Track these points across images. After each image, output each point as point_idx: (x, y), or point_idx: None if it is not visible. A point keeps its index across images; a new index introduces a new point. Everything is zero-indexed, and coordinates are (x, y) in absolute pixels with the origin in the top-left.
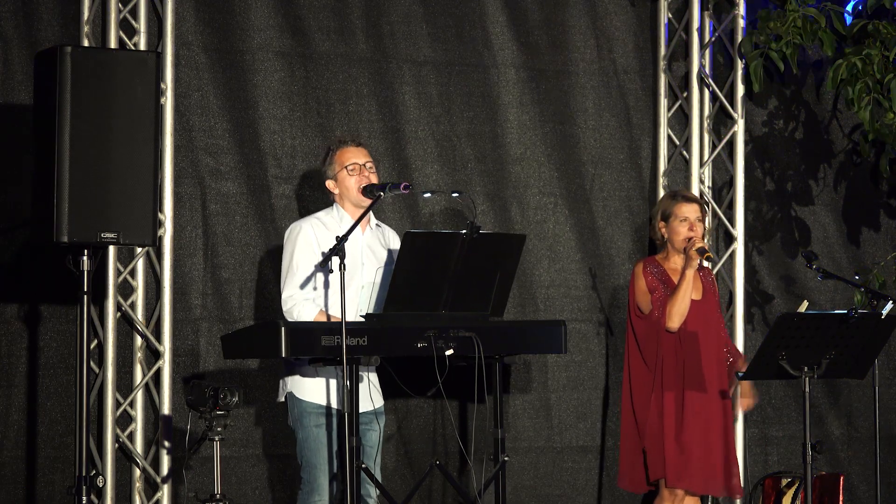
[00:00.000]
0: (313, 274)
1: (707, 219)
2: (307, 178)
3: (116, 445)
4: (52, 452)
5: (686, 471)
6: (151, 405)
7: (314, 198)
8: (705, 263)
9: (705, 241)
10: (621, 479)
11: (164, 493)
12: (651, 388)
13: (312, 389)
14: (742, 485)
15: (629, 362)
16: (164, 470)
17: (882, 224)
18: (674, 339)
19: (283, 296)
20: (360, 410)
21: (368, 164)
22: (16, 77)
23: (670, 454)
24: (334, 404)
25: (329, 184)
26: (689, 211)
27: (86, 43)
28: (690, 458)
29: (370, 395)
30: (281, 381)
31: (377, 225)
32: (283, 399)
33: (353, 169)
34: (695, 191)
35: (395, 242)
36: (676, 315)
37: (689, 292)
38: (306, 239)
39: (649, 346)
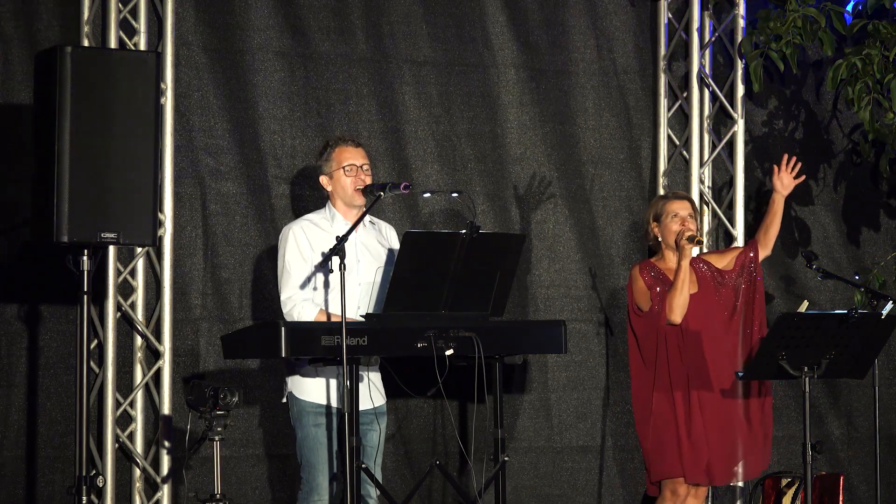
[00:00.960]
0: (313, 274)
1: (706, 218)
2: (307, 179)
3: (116, 445)
4: (52, 452)
5: (699, 466)
6: (151, 405)
7: (314, 198)
8: (695, 251)
9: (699, 234)
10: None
11: (164, 493)
12: (652, 388)
13: (312, 389)
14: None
15: (631, 363)
16: (164, 470)
17: (882, 224)
18: (676, 335)
19: (282, 298)
20: (360, 409)
21: (365, 167)
22: (16, 77)
23: (687, 452)
24: (334, 403)
25: (323, 180)
26: (680, 207)
27: (86, 43)
28: (701, 453)
29: (370, 394)
30: (284, 382)
31: (371, 222)
32: (285, 400)
33: (350, 170)
34: (695, 190)
35: (393, 237)
36: (677, 308)
37: (686, 284)
38: (295, 240)
39: (648, 345)
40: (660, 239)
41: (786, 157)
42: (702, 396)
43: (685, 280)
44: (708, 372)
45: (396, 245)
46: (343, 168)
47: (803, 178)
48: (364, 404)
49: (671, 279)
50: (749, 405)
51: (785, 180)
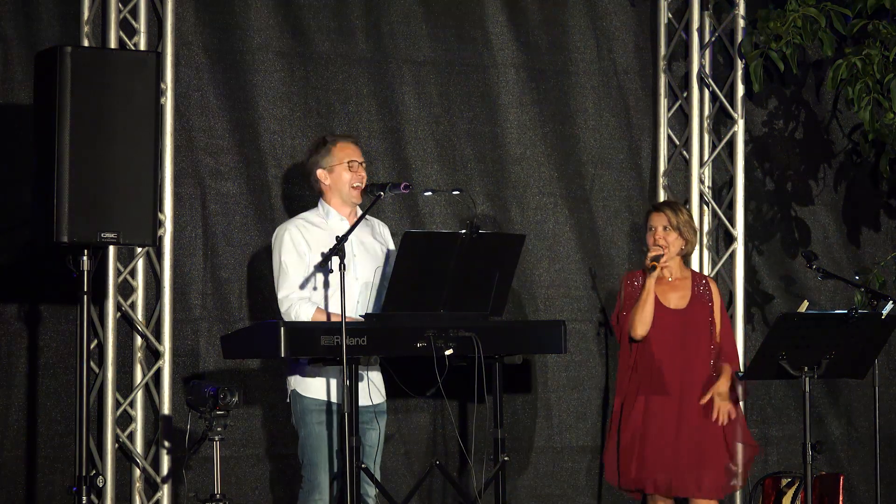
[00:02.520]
0: (312, 274)
1: (706, 218)
2: (307, 178)
3: (116, 445)
4: (52, 452)
5: (627, 470)
6: (151, 405)
7: (314, 198)
8: (653, 273)
9: (661, 258)
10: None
11: (164, 493)
12: (625, 391)
13: (315, 386)
14: (736, 484)
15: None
16: (164, 470)
17: (882, 224)
18: (644, 345)
19: (279, 297)
20: (360, 405)
21: (363, 164)
22: (16, 77)
23: (609, 453)
24: (335, 399)
25: (321, 173)
26: (655, 220)
27: (86, 43)
28: (635, 458)
29: (369, 392)
30: (286, 382)
31: (365, 218)
32: (289, 400)
33: (353, 166)
34: (695, 191)
35: (387, 235)
36: (638, 325)
37: (649, 303)
38: (291, 239)
39: (623, 351)
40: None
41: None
42: (655, 406)
43: (647, 299)
44: (672, 382)
45: (391, 242)
46: (346, 163)
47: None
48: (363, 401)
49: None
50: (711, 427)
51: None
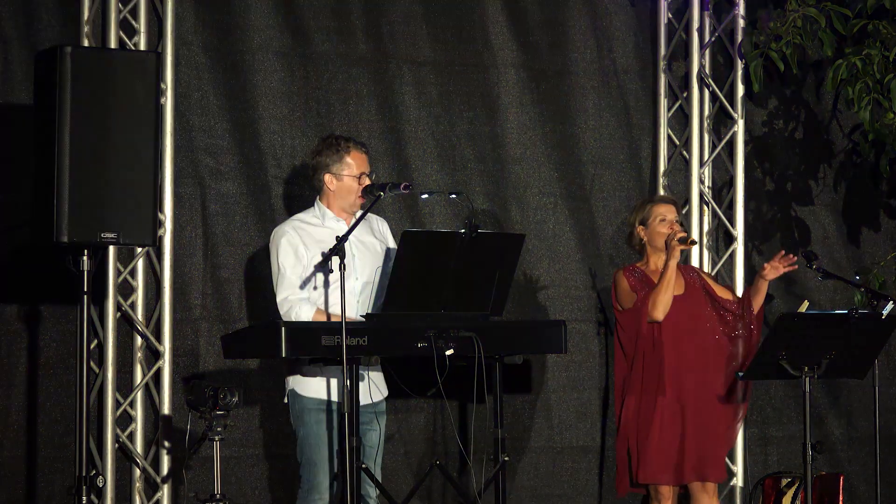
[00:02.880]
0: (312, 274)
1: (706, 218)
2: (307, 178)
3: (116, 445)
4: (52, 452)
5: (646, 464)
6: (151, 405)
7: (313, 197)
8: (686, 248)
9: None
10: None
11: (164, 493)
12: (631, 387)
13: (314, 385)
14: (736, 478)
15: (616, 363)
16: (164, 470)
17: (882, 224)
18: (652, 334)
19: (278, 299)
20: (360, 404)
21: (370, 174)
22: (16, 77)
23: (644, 453)
24: (335, 398)
25: (328, 178)
26: (667, 211)
27: (86, 43)
28: (651, 451)
29: (369, 390)
30: (284, 382)
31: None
32: (287, 401)
33: (363, 179)
34: (695, 191)
35: (386, 231)
36: (660, 305)
37: (672, 283)
38: (288, 241)
39: (628, 342)
40: (645, 241)
41: (783, 253)
42: (665, 398)
43: (671, 279)
44: (680, 374)
45: (390, 238)
46: (358, 176)
47: (795, 267)
48: (364, 399)
49: (655, 282)
50: (724, 411)
51: (779, 270)
